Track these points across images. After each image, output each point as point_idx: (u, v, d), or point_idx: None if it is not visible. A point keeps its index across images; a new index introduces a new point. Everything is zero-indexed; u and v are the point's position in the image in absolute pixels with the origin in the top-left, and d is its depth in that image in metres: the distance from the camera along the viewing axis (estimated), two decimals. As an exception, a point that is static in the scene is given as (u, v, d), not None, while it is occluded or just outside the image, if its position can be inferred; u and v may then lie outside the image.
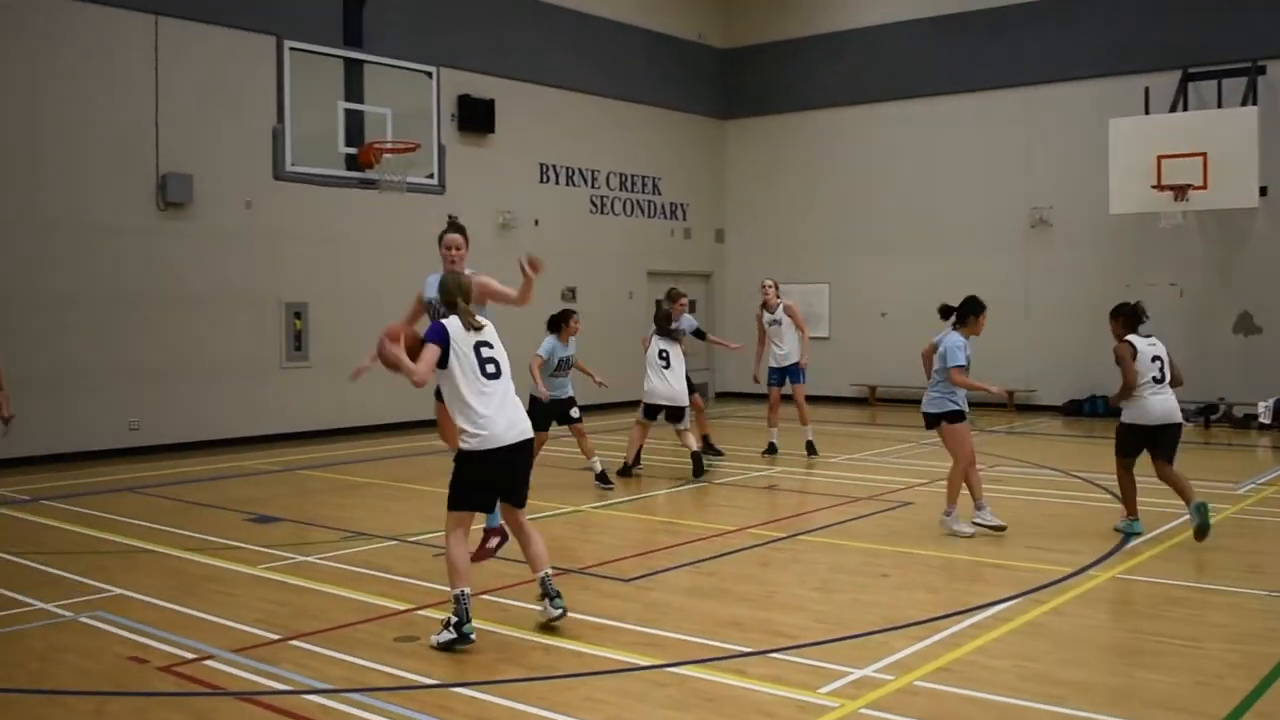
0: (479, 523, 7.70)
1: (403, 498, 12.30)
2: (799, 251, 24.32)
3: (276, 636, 6.93)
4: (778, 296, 15.70)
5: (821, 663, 6.35)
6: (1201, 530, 9.25)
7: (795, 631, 6.98)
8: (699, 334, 14.89)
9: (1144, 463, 9.78)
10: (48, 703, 5.94)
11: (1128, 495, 9.98)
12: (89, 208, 15.43)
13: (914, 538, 9.87)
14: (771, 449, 15.22)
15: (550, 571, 7.02)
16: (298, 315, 17.61)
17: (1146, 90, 19.51)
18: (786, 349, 15.35)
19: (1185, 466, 10.02)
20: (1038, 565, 8.64)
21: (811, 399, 23.10)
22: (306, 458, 15.47)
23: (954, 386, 10.01)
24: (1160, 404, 9.74)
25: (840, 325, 23.77)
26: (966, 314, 10.21)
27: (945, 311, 10.36)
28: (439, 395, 7.10)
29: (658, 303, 14.76)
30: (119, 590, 8.11)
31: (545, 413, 12.60)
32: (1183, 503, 9.58)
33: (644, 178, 23.82)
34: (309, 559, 9.16)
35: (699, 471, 13.17)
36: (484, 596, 7.70)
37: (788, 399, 15.39)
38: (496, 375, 6.88)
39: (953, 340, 10.08)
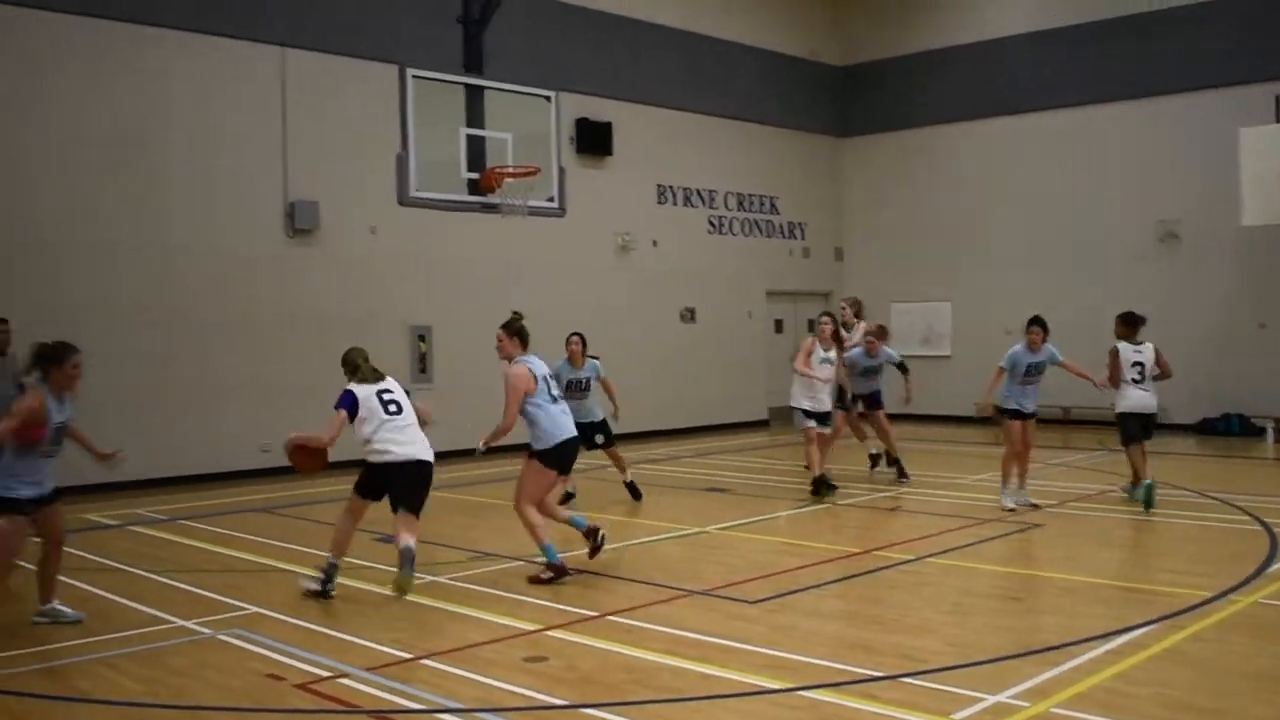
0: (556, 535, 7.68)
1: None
2: (920, 269, 24.06)
3: (409, 655, 7.03)
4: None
5: (955, 688, 6.24)
6: (1147, 505, 11.83)
7: (926, 655, 6.88)
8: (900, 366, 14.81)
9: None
10: (189, 718, 6.10)
11: (1138, 467, 12.54)
12: (220, 235, 15.90)
13: (1045, 560, 9.69)
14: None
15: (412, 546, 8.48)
16: (421, 338, 17.91)
17: (1277, 98, 18.93)
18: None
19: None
20: (1175, 589, 8.41)
21: (935, 418, 22.91)
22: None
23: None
24: (1136, 396, 12.62)
25: (963, 343, 23.43)
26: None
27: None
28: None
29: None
30: (255, 608, 8.30)
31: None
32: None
33: (761, 197, 23.79)
34: (438, 579, 9.28)
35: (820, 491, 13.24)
36: (609, 618, 7.73)
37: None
38: (398, 412, 8.77)
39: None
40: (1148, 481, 12.11)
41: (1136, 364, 12.62)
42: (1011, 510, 12.02)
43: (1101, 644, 7.03)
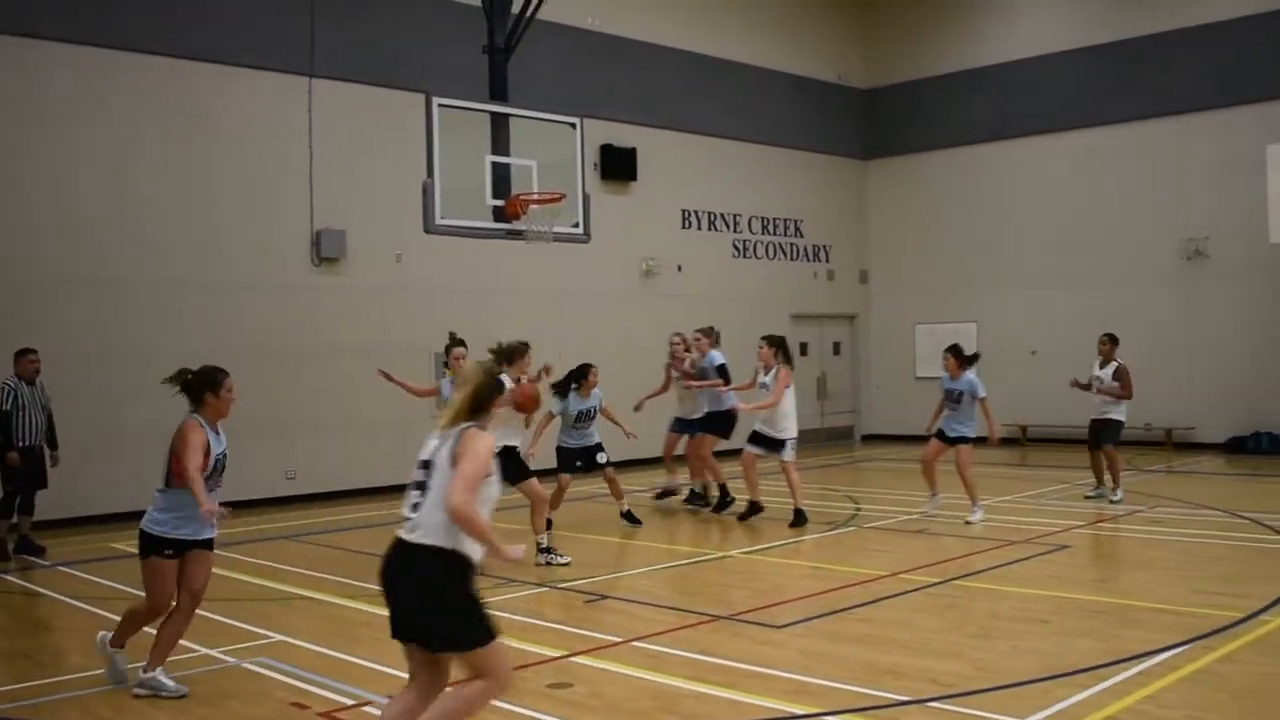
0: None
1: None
2: (945, 290, 24.01)
3: (433, 683, 7.01)
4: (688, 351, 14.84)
5: (982, 712, 6.19)
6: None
7: (953, 680, 6.82)
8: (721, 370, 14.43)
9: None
10: (216, 747, 6.10)
11: (1116, 472, 14.13)
12: (247, 264, 16.02)
13: (1073, 582, 9.60)
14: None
15: None
16: (448, 365, 17.91)
17: (1305, 115, 18.86)
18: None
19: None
20: (1206, 610, 8.32)
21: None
22: (457, 505, 15.63)
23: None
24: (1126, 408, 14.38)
25: (989, 364, 23.15)
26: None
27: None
28: None
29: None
30: (280, 636, 8.31)
31: (570, 457, 12.92)
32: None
33: (786, 220, 23.79)
34: (462, 605, 9.26)
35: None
36: (634, 644, 7.70)
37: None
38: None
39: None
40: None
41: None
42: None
43: (1131, 666, 6.96)
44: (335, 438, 16.68)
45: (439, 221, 17.82)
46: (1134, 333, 17.29)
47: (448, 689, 5.21)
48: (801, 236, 24.11)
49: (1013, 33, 23.41)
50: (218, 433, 7.06)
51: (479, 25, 16.35)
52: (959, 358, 13.31)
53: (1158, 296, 20.82)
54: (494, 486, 5.20)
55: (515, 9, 16.52)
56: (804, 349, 24.30)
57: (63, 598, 10.07)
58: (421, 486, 5.11)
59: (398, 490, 17.28)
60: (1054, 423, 21.41)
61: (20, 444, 12.24)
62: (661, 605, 9.17)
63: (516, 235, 18.13)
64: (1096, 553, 10.50)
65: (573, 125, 19.55)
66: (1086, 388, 14.51)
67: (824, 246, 24.58)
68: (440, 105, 17.86)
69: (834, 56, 24.87)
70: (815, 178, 24.39)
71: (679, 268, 21.43)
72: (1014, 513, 13.73)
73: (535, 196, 17.94)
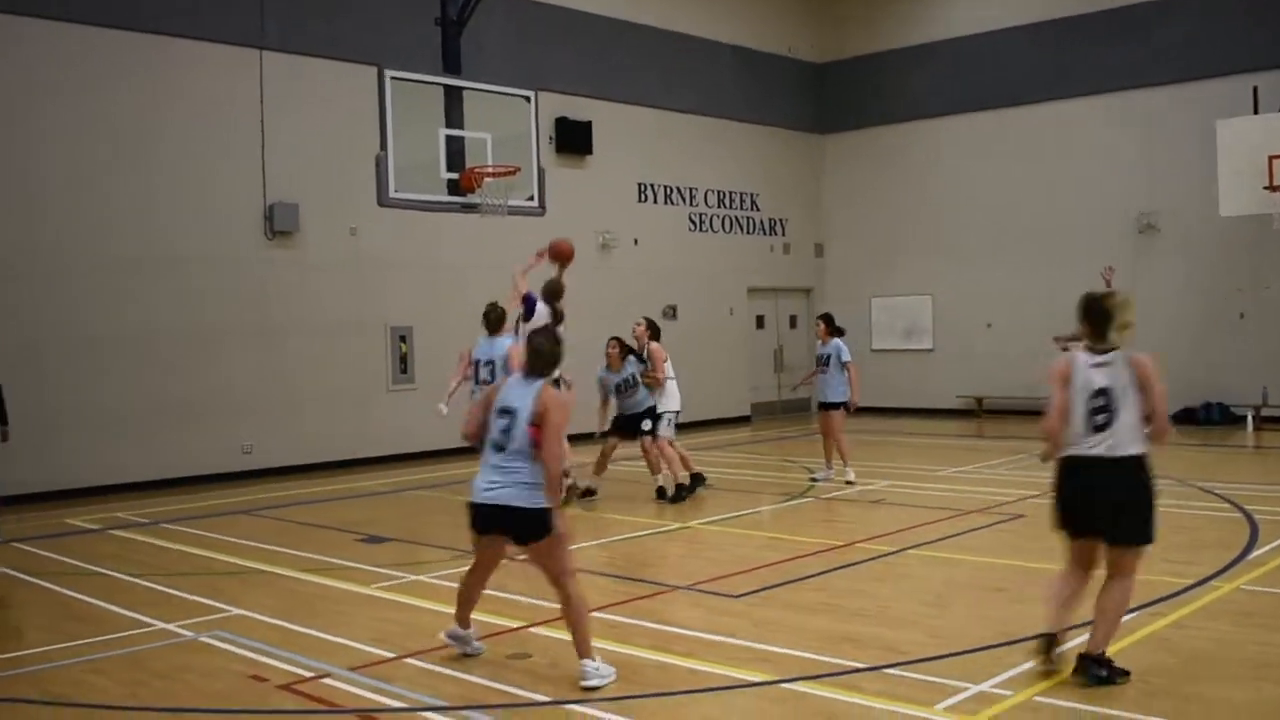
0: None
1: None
2: (900, 263, 24.13)
3: (391, 655, 7.01)
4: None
5: (938, 678, 6.25)
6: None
7: (910, 647, 6.88)
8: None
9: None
10: (173, 721, 6.07)
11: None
12: (200, 239, 15.84)
13: (1028, 551, 9.69)
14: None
15: None
16: (403, 339, 17.87)
17: (1255, 90, 19.00)
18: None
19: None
20: (1156, 577, 8.40)
21: (918, 411, 22.96)
22: (415, 478, 15.66)
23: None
24: None
25: (944, 337, 23.50)
26: None
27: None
28: None
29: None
30: (237, 610, 8.27)
31: (616, 424, 13.28)
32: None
33: (742, 194, 23.81)
34: (421, 578, 9.26)
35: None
36: (594, 614, 7.72)
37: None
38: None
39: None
40: None
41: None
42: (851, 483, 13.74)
43: (1083, 632, 7.03)
44: (291, 412, 16.56)
45: (393, 195, 17.79)
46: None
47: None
48: (757, 210, 24.15)
49: (963, 8, 23.47)
50: None
51: (432, -3, 16.21)
52: (829, 325, 14.26)
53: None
54: None
55: (468, -19, 16.37)
56: (760, 322, 24.41)
57: (18, 574, 9.96)
58: None
59: (354, 464, 17.32)
60: (1009, 394, 21.59)
61: (-31, 420, 12.11)
62: (621, 576, 9.20)
63: (471, 209, 18.11)
64: (1050, 522, 10.55)
65: (527, 99, 19.53)
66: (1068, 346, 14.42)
67: (780, 220, 24.63)
68: (393, 78, 17.80)
69: (784, 30, 24.83)
70: (771, 151, 24.41)
71: (635, 241, 21.41)
72: (970, 483, 13.85)
73: (490, 170, 17.90)
